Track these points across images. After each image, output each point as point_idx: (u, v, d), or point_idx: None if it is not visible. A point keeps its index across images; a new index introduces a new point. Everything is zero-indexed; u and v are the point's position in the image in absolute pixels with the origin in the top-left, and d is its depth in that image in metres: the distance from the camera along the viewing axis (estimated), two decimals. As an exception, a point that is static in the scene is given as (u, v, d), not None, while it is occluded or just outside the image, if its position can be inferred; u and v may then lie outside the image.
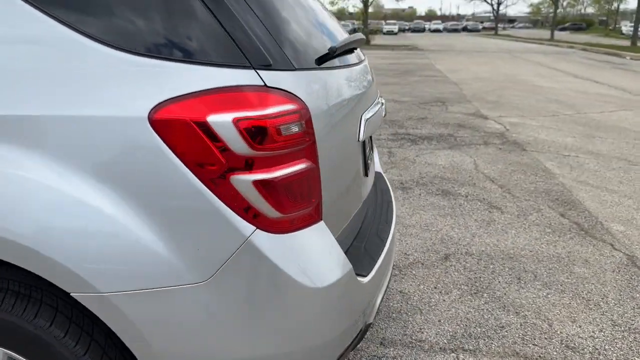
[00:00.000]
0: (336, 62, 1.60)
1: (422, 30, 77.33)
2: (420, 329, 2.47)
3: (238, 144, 1.16)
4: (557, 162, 5.34)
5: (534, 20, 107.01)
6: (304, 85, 1.29)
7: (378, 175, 2.44)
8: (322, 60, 1.45)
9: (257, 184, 1.18)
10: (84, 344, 1.25)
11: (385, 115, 1.94)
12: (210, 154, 1.15)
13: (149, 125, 1.14)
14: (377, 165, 2.55)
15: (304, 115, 1.25)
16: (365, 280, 1.49)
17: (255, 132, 1.16)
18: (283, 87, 1.22)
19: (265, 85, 1.19)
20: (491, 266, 3.09)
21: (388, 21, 72.25)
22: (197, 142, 1.14)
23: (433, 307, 2.64)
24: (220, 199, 1.17)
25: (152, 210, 1.16)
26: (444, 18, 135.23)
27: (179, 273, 1.19)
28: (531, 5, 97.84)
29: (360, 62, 1.91)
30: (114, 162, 1.15)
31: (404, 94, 10.23)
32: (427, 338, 2.39)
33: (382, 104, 1.93)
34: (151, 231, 1.16)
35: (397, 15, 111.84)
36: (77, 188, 1.15)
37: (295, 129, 1.23)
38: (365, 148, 1.83)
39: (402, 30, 71.10)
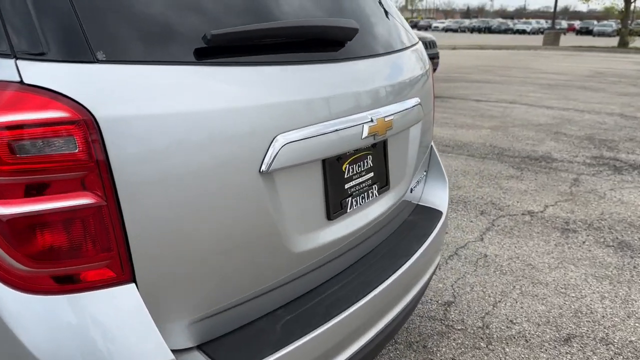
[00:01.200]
0: (289, 56, 1.15)
1: None
2: None
3: None
4: None
5: None
6: (114, 86, 0.88)
7: (432, 215, 1.80)
8: (207, 53, 1.01)
9: (-19, 221, 0.84)
10: None
11: (365, 137, 1.33)
12: None
13: None
14: (439, 200, 1.90)
15: (83, 128, 0.85)
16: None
17: None
18: (54, 88, 0.84)
19: (21, 81, 0.83)
20: (632, 370, 2.10)
21: (668, 22, 60.66)
22: None
23: (502, 410, 1.88)
24: None
25: None
26: None
27: None
28: None
29: (364, 57, 1.37)
30: None
31: (640, 109, 8.27)
32: None
33: (372, 119, 1.33)
34: None
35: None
36: None
37: (60, 147, 0.84)
38: (330, 181, 1.28)
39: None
